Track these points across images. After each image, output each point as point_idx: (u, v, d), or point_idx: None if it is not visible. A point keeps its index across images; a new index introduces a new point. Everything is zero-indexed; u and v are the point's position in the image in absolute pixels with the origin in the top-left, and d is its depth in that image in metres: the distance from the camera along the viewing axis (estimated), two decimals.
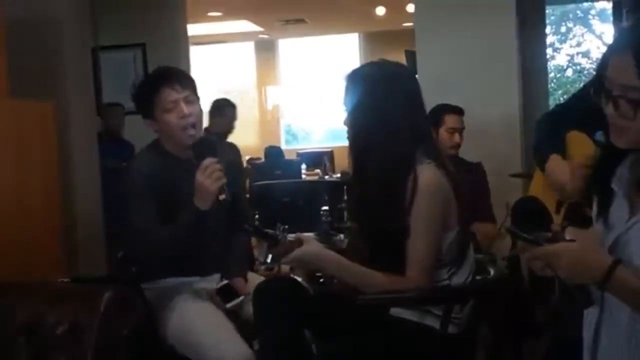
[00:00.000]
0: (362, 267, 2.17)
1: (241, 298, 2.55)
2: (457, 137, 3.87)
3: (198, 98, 2.71)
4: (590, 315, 1.54)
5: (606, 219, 1.51)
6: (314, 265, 2.24)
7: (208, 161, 2.45)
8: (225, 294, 2.59)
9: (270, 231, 2.22)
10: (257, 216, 3.98)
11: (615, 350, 1.47)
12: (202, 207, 2.46)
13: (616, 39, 1.47)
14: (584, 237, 1.41)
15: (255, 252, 2.96)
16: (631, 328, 1.43)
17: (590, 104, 1.49)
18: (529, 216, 1.47)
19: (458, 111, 3.92)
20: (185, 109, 2.60)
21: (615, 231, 1.48)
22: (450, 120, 3.86)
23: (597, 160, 1.59)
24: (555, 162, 2.56)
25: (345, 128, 2.29)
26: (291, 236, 2.22)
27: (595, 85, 1.44)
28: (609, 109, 1.41)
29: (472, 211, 3.89)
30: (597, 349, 1.52)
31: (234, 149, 4.38)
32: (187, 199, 2.49)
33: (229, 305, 2.55)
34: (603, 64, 1.43)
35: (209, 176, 2.43)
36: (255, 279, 2.72)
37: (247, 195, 5.63)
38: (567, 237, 1.41)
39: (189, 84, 2.67)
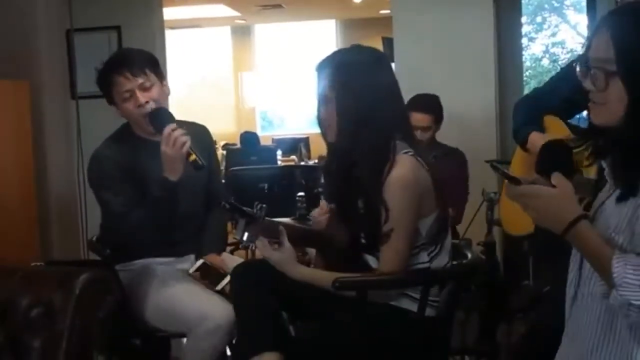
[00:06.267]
0: (332, 273, 2.18)
1: (228, 278, 2.49)
2: (418, 133, 3.74)
3: (160, 77, 2.64)
4: (569, 292, 1.59)
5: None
6: (286, 272, 2.25)
7: (168, 129, 2.42)
8: (206, 275, 2.57)
9: (247, 209, 2.22)
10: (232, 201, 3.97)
11: (587, 326, 1.51)
12: (172, 177, 2.43)
13: (599, 21, 1.54)
14: (565, 186, 1.45)
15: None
16: (602, 306, 1.48)
17: (569, 87, 1.55)
18: (556, 157, 1.51)
19: (424, 109, 3.77)
20: (141, 97, 2.54)
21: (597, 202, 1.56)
22: (412, 117, 3.76)
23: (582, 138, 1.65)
24: (536, 136, 2.63)
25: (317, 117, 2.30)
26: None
27: (582, 65, 1.52)
28: (587, 85, 1.50)
29: (449, 194, 3.91)
30: (573, 332, 1.57)
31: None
32: (158, 179, 2.47)
33: (218, 287, 2.52)
34: (587, 46, 1.52)
35: (172, 145, 2.40)
36: (232, 260, 2.72)
37: (223, 181, 5.63)
38: (552, 182, 1.44)
39: (144, 68, 2.58)
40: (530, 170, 2.64)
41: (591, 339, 1.49)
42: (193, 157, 2.43)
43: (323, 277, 2.19)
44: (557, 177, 1.45)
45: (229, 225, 2.95)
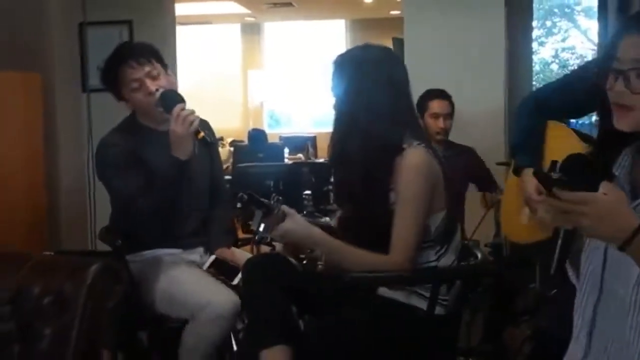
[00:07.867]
0: (345, 244, 2.19)
1: None
2: (441, 121, 3.89)
3: (165, 67, 2.65)
4: (587, 298, 1.53)
5: None
6: (299, 239, 2.25)
7: (178, 109, 2.44)
8: (220, 270, 2.59)
9: (264, 200, 2.23)
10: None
11: (614, 329, 1.46)
12: (181, 156, 2.45)
13: (627, 23, 1.48)
14: (619, 193, 1.34)
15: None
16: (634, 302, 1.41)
17: (585, 88, 1.50)
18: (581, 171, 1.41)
19: (442, 95, 3.93)
20: (151, 85, 2.56)
21: None
22: (434, 105, 3.89)
23: (598, 146, 1.60)
24: (528, 176, 2.46)
25: (334, 113, 2.31)
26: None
27: (601, 68, 1.46)
28: (617, 87, 1.42)
29: (462, 193, 3.95)
30: (593, 331, 1.52)
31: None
32: (167, 160, 2.49)
33: (234, 282, 2.54)
34: (612, 48, 1.45)
35: (182, 123, 2.42)
36: (242, 255, 2.73)
37: (229, 177, 5.65)
38: (602, 190, 1.32)
39: (150, 57, 2.60)
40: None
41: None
42: (201, 134, 2.46)
43: (337, 250, 2.18)
44: (607, 186, 1.33)
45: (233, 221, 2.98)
